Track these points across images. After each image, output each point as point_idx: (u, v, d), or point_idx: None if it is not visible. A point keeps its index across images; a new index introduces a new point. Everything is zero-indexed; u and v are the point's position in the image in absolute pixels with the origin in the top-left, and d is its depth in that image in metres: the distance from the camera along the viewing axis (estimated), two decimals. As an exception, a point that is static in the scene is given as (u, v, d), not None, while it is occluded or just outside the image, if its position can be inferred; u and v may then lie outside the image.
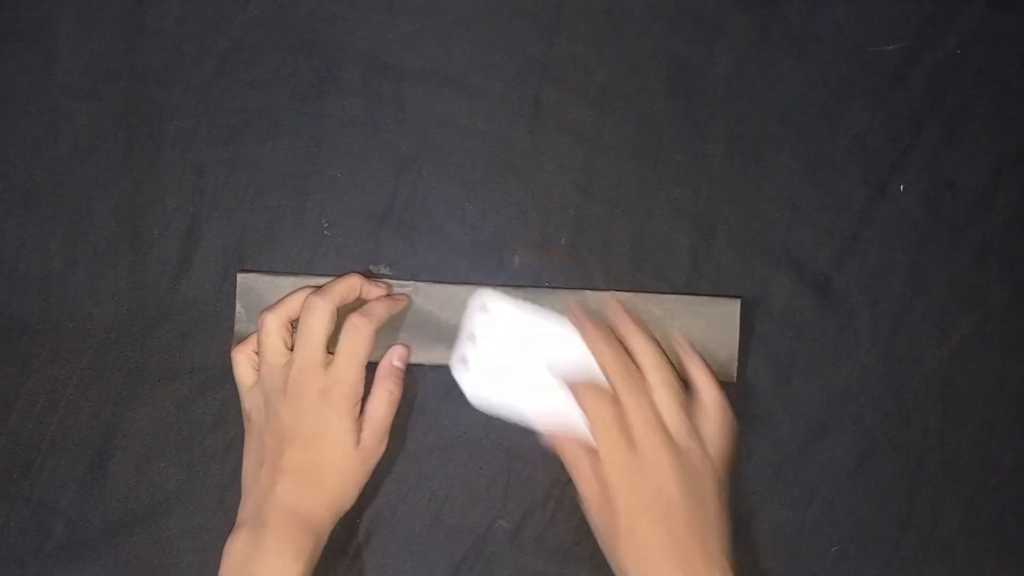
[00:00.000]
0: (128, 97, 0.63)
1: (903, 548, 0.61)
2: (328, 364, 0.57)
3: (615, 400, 0.57)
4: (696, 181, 0.63)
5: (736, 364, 0.61)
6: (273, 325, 0.58)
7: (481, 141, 0.63)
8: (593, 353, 0.59)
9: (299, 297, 0.59)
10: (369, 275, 0.62)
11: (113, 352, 0.62)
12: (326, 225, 0.63)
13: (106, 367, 0.61)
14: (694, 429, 0.57)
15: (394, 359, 0.60)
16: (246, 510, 0.56)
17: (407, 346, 0.61)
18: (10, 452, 0.61)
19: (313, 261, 0.62)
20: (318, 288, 0.59)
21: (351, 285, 0.59)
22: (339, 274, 0.61)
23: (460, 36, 0.64)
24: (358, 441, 0.57)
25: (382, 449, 0.59)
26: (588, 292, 0.62)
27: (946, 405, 0.62)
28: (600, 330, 0.59)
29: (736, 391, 0.62)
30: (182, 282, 0.62)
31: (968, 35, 0.64)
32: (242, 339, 0.60)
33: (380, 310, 0.59)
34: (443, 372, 0.61)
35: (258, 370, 0.58)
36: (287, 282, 0.61)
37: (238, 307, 0.61)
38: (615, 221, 0.63)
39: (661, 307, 0.61)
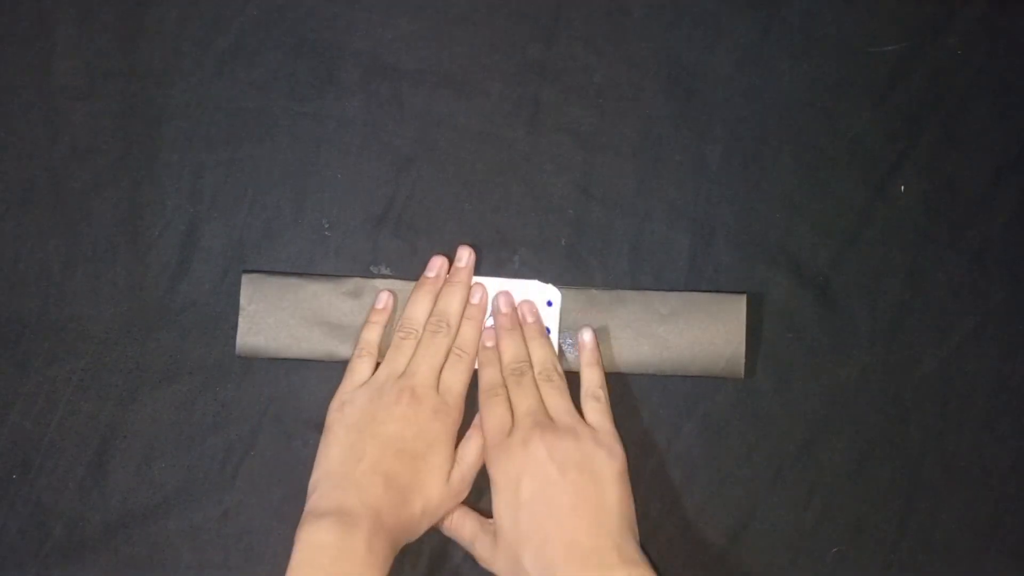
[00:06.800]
0: (127, 97, 0.63)
1: (903, 548, 0.61)
2: (438, 388, 0.58)
3: (505, 403, 0.58)
4: (696, 181, 0.63)
5: (743, 360, 0.61)
6: (412, 339, 0.59)
7: (481, 141, 0.63)
8: (499, 347, 0.60)
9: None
10: (369, 275, 0.62)
11: (112, 352, 0.62)
12: (326, 225, 0.63)
13: (105, 367, 0.61)
14: (579, 416, 0.58)
15: None
16: (328, 500, 0.54)
17: None
18: (9, 452, 0.61)
19: (313, 261, 0.62)
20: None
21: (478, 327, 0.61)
22: (339, 274, 0.62)
23: (460, 36, 0.64)
24: (449, 477, 0.57)
25: (463, 496, 0.58)
26: (593, 290, 0.62)
27: (946, 405, 0.62)
28: (508, 330, 0.60)
29: (736, 391, 0.62)
30: (182, 282, 0.62)
31: (968, 35, 0.64)
32: (246, 339, 0.61)
33: (474, 341, 0.61)
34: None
35: (373, 372, 0.59)
36: (292, 281, 0.61)
37: (243, 306, 0.61)
38: (614, 221, 0.63)
39: (667, 305, 0.61)
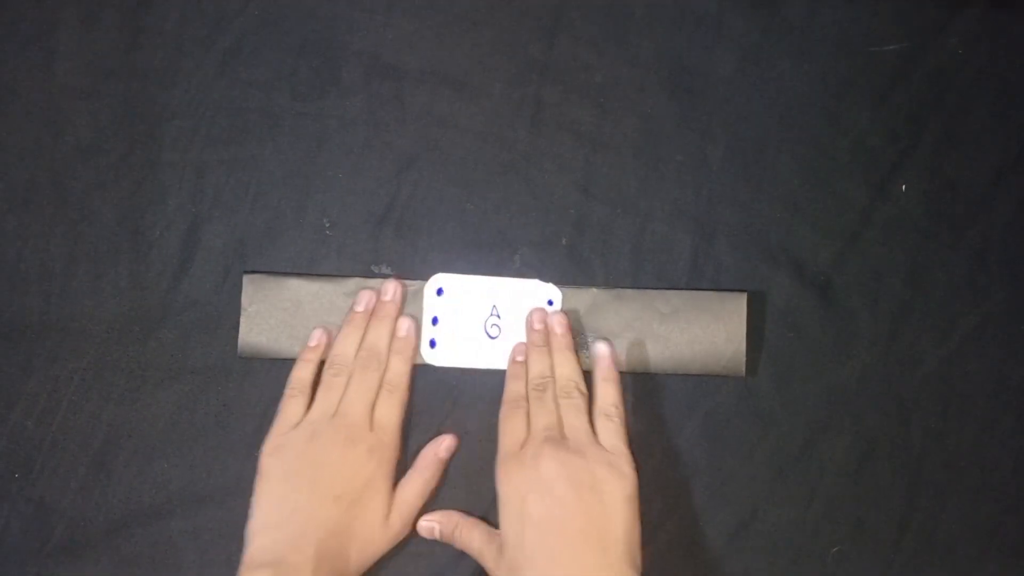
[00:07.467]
0: (129, 97, 0.63)
1: (903, 548, 0.61)
2: (372, 425, 0.58)
3: (524, 417, 0.58)
4: (696, 181, 0.63)
5: (744, 358, 0.61)
6: (343, 377, 0.59)
7: (481, 141, 0.63)
8: (528, 362, 0.60)
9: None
10: (369, 275, 0.62)
11: (114, 352, 0.62)
12: (327, 225, 0.63)
13: (107, 367, 0.61)
14: (594, 437, 0.57)
15: (441, 449, 0.60)
16: (264, 552, 0.54)
17: (457, 436, 0.61)
18: (11, 452, 0.61)
19: (314, 261, 0.62)
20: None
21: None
22: (340, 274, 0.62)
23: (460, 36, 0.64)
24: (387, 517, 0.57)
25: (405, 533, 0.58)
26: (594, 289, 0.62)
27: (946, 405, 0.62)
28: (538, 347, 0.60)
29: (738, 391, 0.62)
30: (183, 282, 0.62)
31: (968, 35, 0.64)
32: (247, 339, 0.61)
33: (403, 374, 0.60)
34: (443, 372, 0.61)
35: (306, 412, 0.59)
36: (293, 282, 0.62)
37: (244, 307, 0.61)
38: (615, 221, 0.63)
39: (667, 304, 0.62)
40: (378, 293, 0.61)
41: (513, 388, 0.60)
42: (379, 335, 0.60)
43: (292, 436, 0.57)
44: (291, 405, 0.59)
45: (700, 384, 0.62)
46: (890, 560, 0.61)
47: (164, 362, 0.62)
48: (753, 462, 0.61)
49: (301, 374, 0.60)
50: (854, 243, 0.63)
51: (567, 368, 0.59)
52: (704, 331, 0.61)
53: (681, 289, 0.62)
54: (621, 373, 0.61)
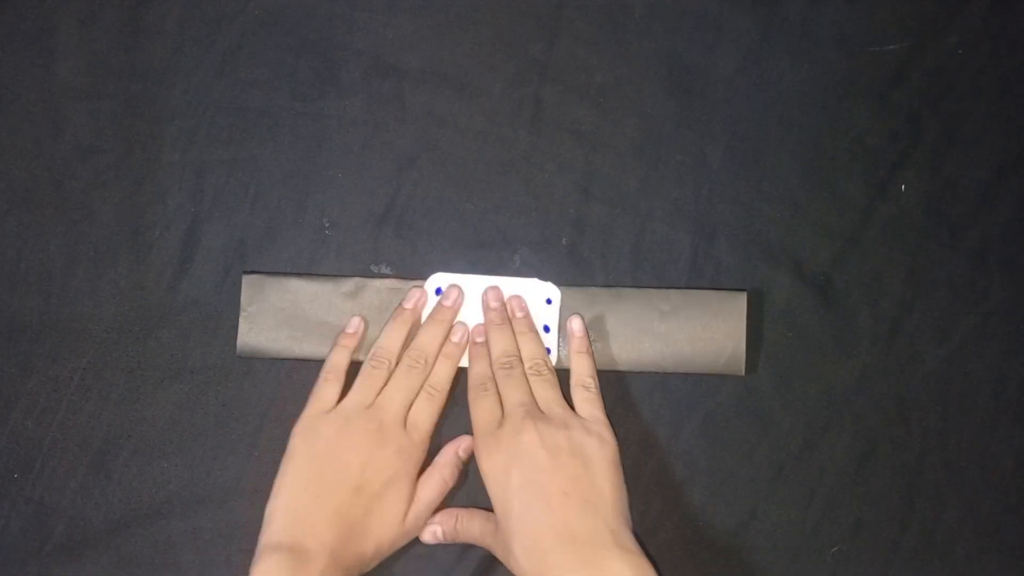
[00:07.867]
0: (129, 97, 0.63)
1: (903, 548, 0.61)
2: (405, 424, 0.58)
3: (494, 396, 0.58)
4: (696, 181, 0.63)
5: (744, 357, 0.61)
6: (383, 370, 0.59)
7: (481, 141, 0.63)
8: (489, 342, 0.60)
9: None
10: (369, 275, 0.62)
11: (114, 352, 0.62)
12: (327, 225, 0.63)
13: (107, 367, 0.61)
14: (569, 408, 0.58)
15: (460, 449, 0.60)
16: (284, 535, 0.54)
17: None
18: (11, 452, 0.61)
19: (314, 261, 0.62)
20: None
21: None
22: (340, 274, 0.62)
23: (460, 36, 0.64)
24: (405, 515, 0.57)
25: (416, 534, 0.58)
26: (594, 289, 0.62)
27: (946, 405, 0.62)
28: (497, 325, 0.60)
29: (737, 390, 0.62)
30: (183, 282, 0.62)
31: (968, 35, 0.64)
32: (246, 339, 0.61)
33: (447, 380, 0.60)
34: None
35: (340, 398, 0.58)
36: (292, 282, 0.61)
37: (243, 307, 0.61)
38: (615, 221, 0.63)
39: (667, 302, 0.61)
40: (422, 293, 0.61)
41: (478, 369, 0.60)
42: (431, 337, 0.60)
43: (324, 420, 0.57)
44: (326, 389, 0.59)
45: (700, 384, 0.62)
46: (890, 560, 0.61)
47: (164, 362, 0.62)
48: (753, 462, 0.61)
49: (337, 360, 0.60)
50: (854, 243, 0.63)
51: (533, 347, 0.60)
52: (704, 329, 0.61)
53: (681, 288, 0.62)
54: (622, 372, 0.61)
